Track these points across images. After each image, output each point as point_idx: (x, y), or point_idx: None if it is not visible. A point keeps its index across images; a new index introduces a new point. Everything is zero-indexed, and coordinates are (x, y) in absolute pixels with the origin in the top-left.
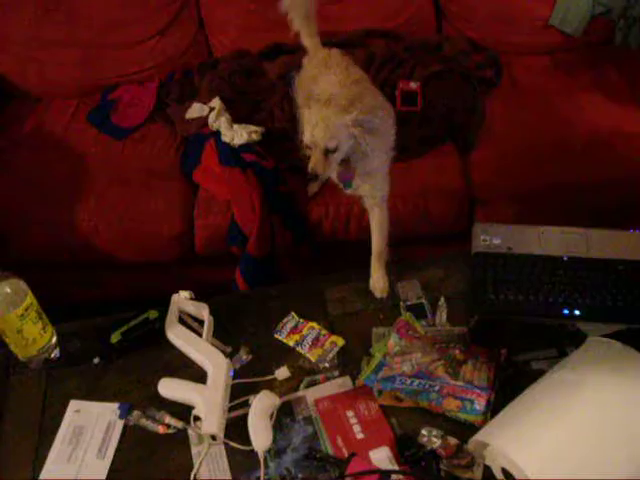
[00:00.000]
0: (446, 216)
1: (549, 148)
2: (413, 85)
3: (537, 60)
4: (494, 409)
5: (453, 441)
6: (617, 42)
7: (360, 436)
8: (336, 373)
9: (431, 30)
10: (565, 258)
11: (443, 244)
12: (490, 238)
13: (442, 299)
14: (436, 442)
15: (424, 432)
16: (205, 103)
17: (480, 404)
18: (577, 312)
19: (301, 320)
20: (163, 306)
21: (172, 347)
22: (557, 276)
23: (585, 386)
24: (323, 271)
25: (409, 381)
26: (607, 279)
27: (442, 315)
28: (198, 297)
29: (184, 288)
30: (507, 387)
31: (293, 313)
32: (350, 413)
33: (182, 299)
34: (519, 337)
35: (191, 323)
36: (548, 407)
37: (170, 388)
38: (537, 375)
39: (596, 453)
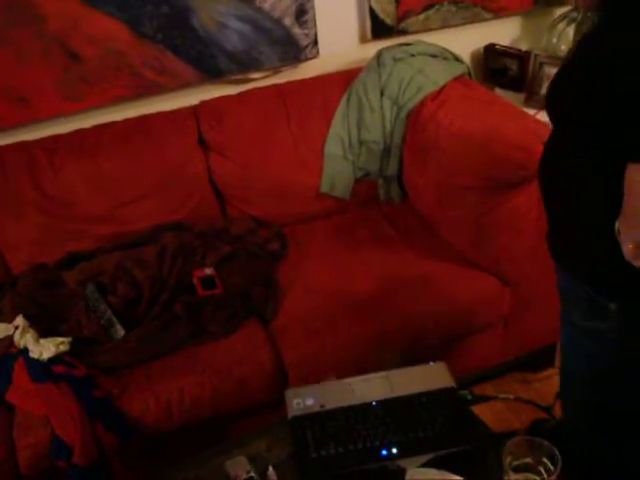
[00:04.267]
0: (262, 385)
1: (342, 304)
2: (208, 271)
3: (318, 225)
4: None
5: None
6: (382, 198)
7: None
8: None
9: (217, 214)
10: (374, 403)
11: (269, 412)
12: (303, 400)
13: (270, 468)
14: None
15: None
16: (10, 322)
17: None
18: (395, 450)
19: None
20: None
21: None
22: (370, 422)
23: None
24: (156, 462)
25: None
26: (413, 413)
27: None
28: None
29: None
30: None
31: None
32: None
33: None
34: None
35: None
36: None
37: None
38: None
39: None
